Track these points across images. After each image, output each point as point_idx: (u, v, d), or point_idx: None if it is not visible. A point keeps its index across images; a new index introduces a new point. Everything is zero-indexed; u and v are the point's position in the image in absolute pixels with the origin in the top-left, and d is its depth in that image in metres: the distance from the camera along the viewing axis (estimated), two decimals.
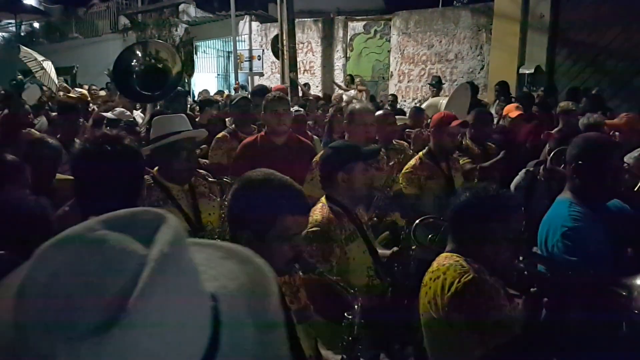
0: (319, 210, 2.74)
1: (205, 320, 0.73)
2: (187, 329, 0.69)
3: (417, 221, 2.97)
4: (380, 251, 2.95)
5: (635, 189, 3.14)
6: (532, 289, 2.23)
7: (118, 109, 6.47)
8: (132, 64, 4.59)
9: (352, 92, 11.50)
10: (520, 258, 2.28)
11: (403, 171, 4.17)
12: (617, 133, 4.48)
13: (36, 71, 9.95)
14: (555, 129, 5.76)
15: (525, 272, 2.27)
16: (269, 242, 1.74)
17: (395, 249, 2.96)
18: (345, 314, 1.93)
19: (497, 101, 8.40)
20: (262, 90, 6.13)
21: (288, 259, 1.79)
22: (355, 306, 1.93)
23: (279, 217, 1.75)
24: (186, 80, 15.37)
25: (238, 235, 1.79)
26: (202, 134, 3.45)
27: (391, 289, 2.76)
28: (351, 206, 2.83)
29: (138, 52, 4.70)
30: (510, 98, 8.32)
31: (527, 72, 10.48)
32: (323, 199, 2.83)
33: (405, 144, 5.13)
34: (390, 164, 4.27)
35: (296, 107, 6.16)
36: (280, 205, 1.77)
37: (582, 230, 2.47)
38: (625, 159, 4.10)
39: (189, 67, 15.76)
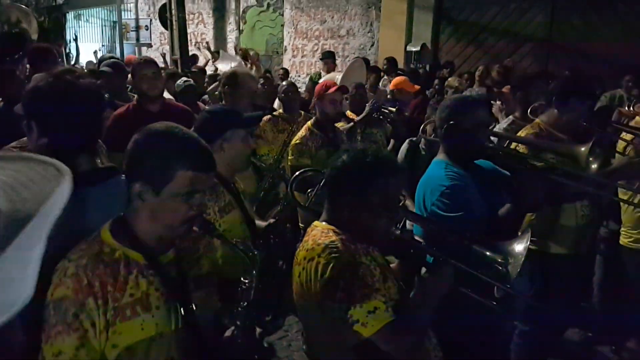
0: None
1: None
2: None
3: (297, 173, 2.80)
4: (257, 222, 2.84)
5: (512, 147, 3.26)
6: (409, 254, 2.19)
7: None
8: None
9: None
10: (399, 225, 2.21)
11: (292, 143, 4.19)
12: (500, 103, 5.22)
13: None
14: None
15: (402, 239, 2.18)
16: (164, 197, 1.62)
17: (271, 220, 2.87)
18: (242, 279, 1.88)
19: (386, 76, 8.68)
20: None
21: (184, 219, 1.68)
22: (253, 271, 1.88)
23: (179, 172, 1.62)
24: (70, 51, 14.32)
25: (131, 186, 1.65)
26: None
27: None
28: (228, 175, 2.69)
29: None
30: (398, 73, 8.64)
31: (414, 49, 10.85)
32: None
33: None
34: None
35: (184, 79, 5.94)
36: (181, 158, 1.64)
37: (459, 189, 2.56)
38: None
39: (58, 36, 14.64)
